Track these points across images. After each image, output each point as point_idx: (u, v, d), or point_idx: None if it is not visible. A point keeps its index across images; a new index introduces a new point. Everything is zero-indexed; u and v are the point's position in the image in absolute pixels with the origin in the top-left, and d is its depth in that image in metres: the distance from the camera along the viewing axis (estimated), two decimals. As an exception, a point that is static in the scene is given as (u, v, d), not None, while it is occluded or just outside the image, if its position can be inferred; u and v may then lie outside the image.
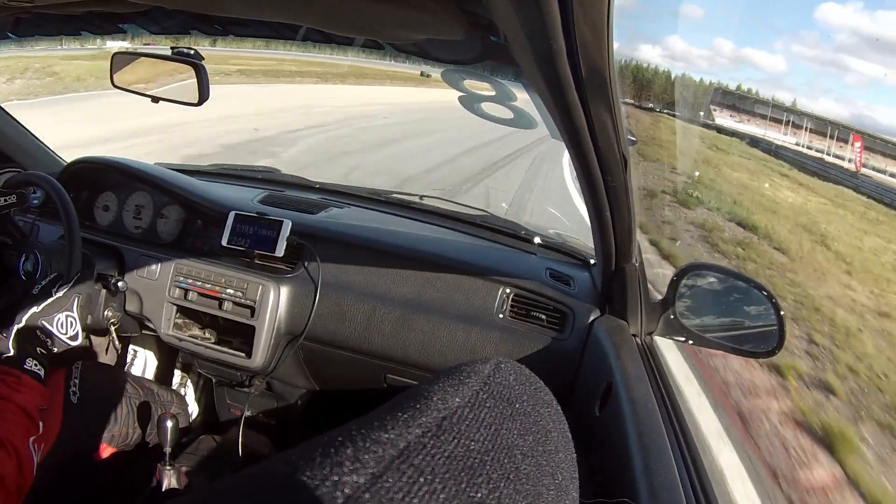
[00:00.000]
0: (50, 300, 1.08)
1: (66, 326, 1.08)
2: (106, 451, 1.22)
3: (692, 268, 1.13)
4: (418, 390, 0.31)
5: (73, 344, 1.10)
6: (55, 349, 1.07)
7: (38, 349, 1.03)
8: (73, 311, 1.10)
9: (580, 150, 0.72)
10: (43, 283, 1.11)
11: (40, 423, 0.95)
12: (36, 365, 1.00)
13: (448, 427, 0.28)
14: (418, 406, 0.29)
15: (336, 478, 0.23)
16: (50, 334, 1.06)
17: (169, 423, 1.18)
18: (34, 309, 1.06)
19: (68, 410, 1.12)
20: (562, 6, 0.43)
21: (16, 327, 1.03)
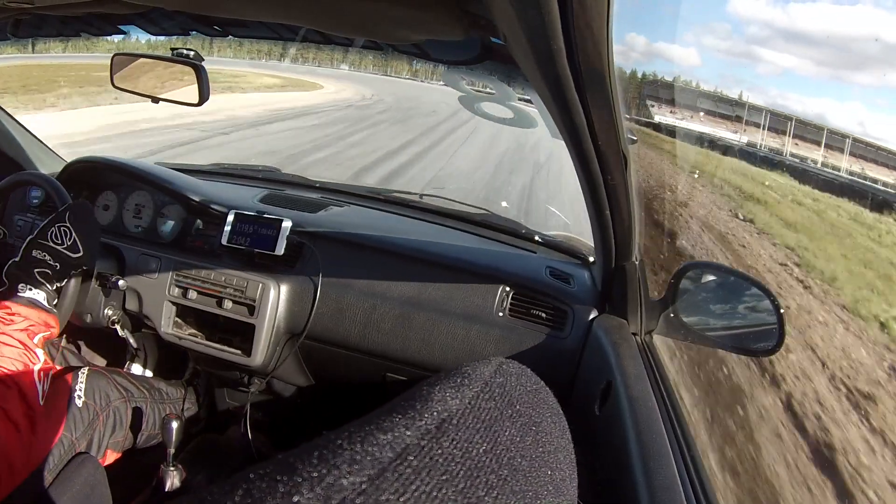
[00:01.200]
0: (41, 224, 1.04)
1: (60, 237, 1.02)
2: (110, 456, 1.21)
3: (692, 266, 1.13)
4: (419, 391, 0.31)
5: (75, 256, 1.03)
6: (58, 265, 1.01)
7: (35, 272, 0.98)
8: (64, 221, 1.04)
9: (580, 149, 0.72)
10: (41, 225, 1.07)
11: (38, 352, 0.92)
12: (31, 289, 0.96)
13: (447, 429, 0.28)
14: (418, 407, 0.29)
15: (332, 479, 0.23)
16: (47, 249, 1.01)
17: (174, 424, 1.18)
18: (28, 238, 1.03)
19: (72, 416, 1.12)
20: (561, 6, 0.43)
21: (10, 261, 1.00)
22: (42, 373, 0.92)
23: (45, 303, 0.98)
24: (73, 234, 1.04)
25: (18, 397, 0.86)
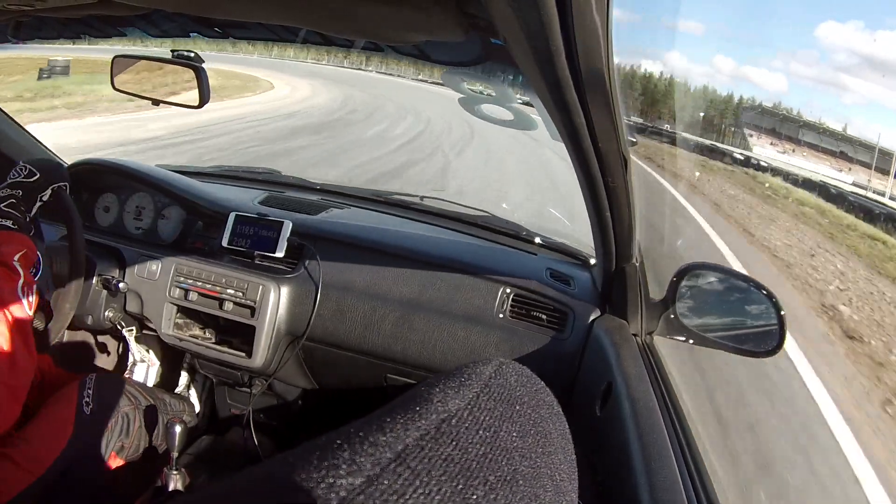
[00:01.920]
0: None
1: (17, 172, 1.09)
2: (115, 461, 1.21)
3: (692, 267, 1.12)
4: (419, 392, 0.31)
5: (33, 179, 1.09)
6: (20, 191, 1.07)
7: (2, 206, 1.03)
8: (18, 163, 1.11)
9: (580, 150, 0.72)
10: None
11: (17, 268, 0.95)
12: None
13: (447, 430, 0.28)
14: (418, 409, 0.29)
15: (331, 480, 0.23)
16: (8, 185, 1.07)
17: (178, 429, 1.18)
18: None
19: (81, 422, 1.12)
20: (560, 6, 0.43)
21: None
22: (25, 286, 0.95)
23: (11, 226, 1.02)
24: (29, 166, 1.11)
25: (2, 311, 0.88)
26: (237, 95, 13.96)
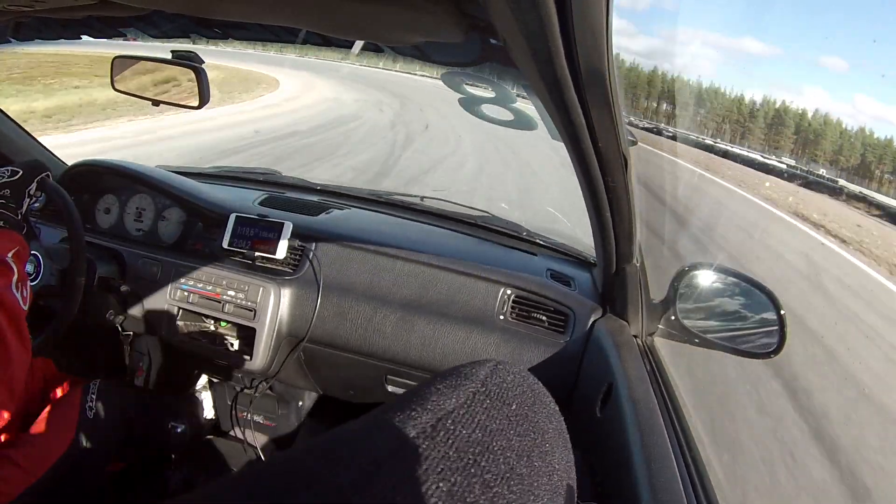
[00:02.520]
0: None
1: (1, 175, 1.08)
2: (117, 464, 1.21)
3: (693, 268, 1.12)
4: (415, 392, 0.32)
5: (15, 178, 1.09)
6: (8, 191, 1.06)
7: None
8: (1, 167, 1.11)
9: (580, 151, 0.72)
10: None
11: (11, 264, 0.95)
12: None
13: (443, 428, 0.29)
14: (414, 407, 0.30)
15: (330, 476, 0.24)
16: None
17: (178, 430, 1.18)
18: None
19: (83, 425, 1.12)
20: (559, 7, 0.43)
21: None
22: (20, 282, 0.94)
23: (4, 225, 1.02)
24: (10, 168, 1.10)
25: None
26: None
